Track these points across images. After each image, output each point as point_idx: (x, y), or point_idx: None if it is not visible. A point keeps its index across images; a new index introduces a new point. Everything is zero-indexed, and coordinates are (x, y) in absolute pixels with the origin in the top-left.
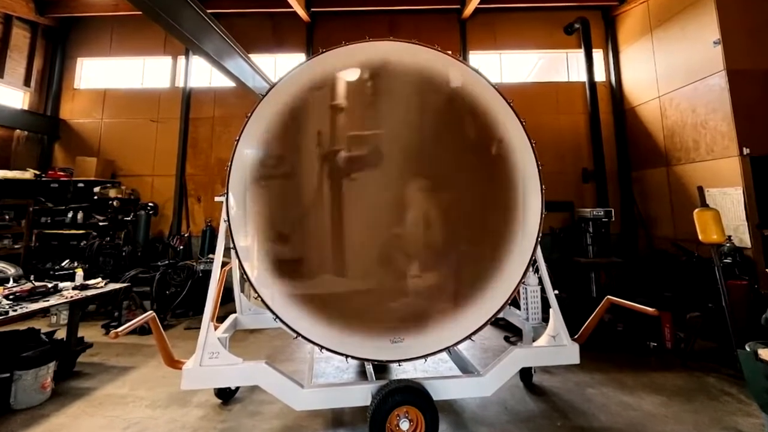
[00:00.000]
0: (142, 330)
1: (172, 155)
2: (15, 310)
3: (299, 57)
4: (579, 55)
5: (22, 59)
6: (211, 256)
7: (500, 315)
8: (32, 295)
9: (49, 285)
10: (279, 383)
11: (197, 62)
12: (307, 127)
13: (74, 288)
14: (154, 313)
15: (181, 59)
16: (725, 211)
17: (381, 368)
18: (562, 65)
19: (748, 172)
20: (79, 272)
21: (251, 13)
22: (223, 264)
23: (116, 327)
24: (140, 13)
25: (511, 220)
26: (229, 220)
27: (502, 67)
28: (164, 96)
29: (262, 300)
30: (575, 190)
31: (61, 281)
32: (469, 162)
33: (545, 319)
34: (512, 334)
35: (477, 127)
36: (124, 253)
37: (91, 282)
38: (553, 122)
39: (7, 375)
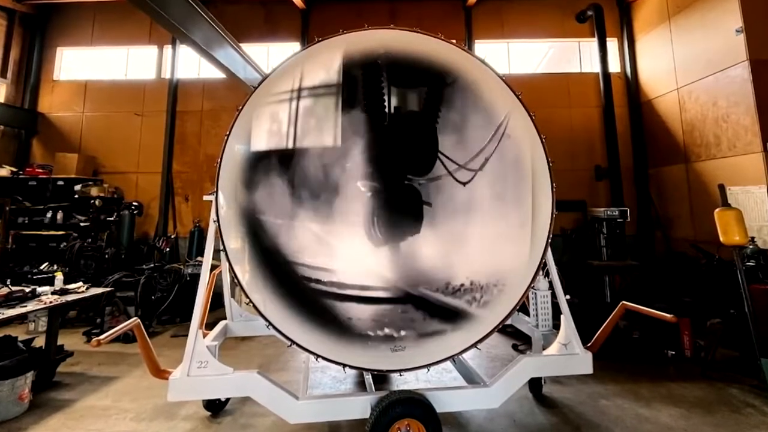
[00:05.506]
0: (126, 338)
1: (158, 151)
2: None
3: (294, 46)
4: (592, 44)
5: None
6: (199, 258)
7: (508, 322)
8: (8, 301)
9: (27, 289)
10: (272, 394)
11: (185, 52)
12: (303, 120)
13: (53, 293)
14: (139, 320)
15: (168, 49)
16: (748, 210)
17: (381, 378)
18: (574, 55)
19: None
20: (59, 276)
21: None
22: (213, 267)
23: (98, 334)
24: None
25: (520, 221)
26: (218, 221)
27: (510, 57)
28: (149, 88)
29: (254, 306)
30: (588, 189)
31: (40, 285)
32: (475, 159)
33: (556, 326)
34: (521, 342)
35: (483, 121)
36: (106, 256)
37: (71, 286)
38: (564, 116)
39: None
